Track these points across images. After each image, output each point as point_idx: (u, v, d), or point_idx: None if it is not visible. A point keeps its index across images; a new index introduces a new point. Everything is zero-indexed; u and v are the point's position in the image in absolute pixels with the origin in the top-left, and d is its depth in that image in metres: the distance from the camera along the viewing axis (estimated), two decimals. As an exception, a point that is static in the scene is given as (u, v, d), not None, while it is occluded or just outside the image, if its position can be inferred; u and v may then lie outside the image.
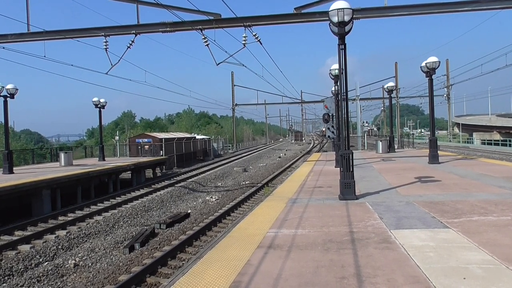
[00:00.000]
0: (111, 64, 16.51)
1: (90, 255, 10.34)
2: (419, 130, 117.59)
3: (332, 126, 18.81)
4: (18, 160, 29.11)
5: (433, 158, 16.25)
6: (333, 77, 16.33)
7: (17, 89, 18.70)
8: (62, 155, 23.38)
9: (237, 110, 61.66)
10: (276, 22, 15.31)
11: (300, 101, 68.70)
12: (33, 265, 9.64)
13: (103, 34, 15.48)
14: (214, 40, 15.64)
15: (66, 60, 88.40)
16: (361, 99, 42.84)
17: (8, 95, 18.50)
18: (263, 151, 54.75)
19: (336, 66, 14.69)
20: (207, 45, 15.57)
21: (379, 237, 5.66)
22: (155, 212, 15.74)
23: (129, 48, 15.99)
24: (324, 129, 59.43)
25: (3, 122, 25.97)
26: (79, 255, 10.33)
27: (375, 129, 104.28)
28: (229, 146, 58.86)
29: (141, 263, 9.46)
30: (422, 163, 16.93)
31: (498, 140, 52.73)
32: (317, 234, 6.00)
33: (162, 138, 33.79)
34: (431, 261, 4.59)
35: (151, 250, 10.59)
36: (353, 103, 38.33)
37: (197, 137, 45.73)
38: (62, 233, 12.20)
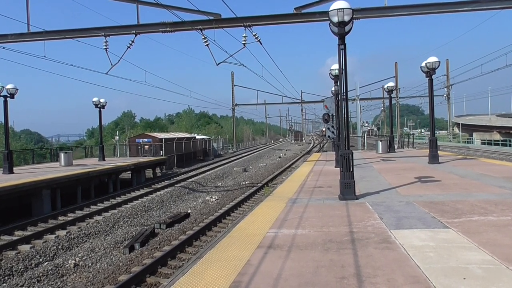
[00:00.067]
0: (111, 64, 16.53)
1: (90, 255, 10.34)
2: (419, 130, 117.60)
3: (332, 126, 18.81)
4: (18, 160, 29.11)
5: (433, 158, 16.25)
6: (333, 77, 16.33)
7: (17, 89, 18.70)
8: (62, 155, 23.38)
9: (237, 110, 61.72)
10: (276, 22, 15.31)
11: (300, 101, 68.75)
12: (33, 265, 9.64)
13: (103, 34, 15.48)
14: (214, 40, 15.67)
15: (66, 60, 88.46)
16: (361, 99, 42.85)
17: (8, 95, 18.50)
18: (263, 151, 54.75)
19: (336, 66, 14.69)
20: (207, 45, 15.57)
21: (379, 237, 5.66)
22: (155, 212, 15.74)
23: (129, 48, 16.01)
24: (324, 129, 59.41)
25: (3, 122, 25.99)
26: (79, 255, 10.33)
27: (375, 129, 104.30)
28: (229, 146, 58.86)
29: (141, 263, 9.46)
30: (422, 163, 16.93)
31: (498, 140, 52.74)
32: (317, 234, 6.00)
33: (162, 138, 33.79)
34: (431, 261, 4.59)
35: (151, 250, 10.59)
36: (353, 103, 38.34)
37: (197, 137, 45.73)
38: (62, 233, 12.20)
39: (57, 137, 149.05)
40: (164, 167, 29.44)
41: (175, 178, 25.00)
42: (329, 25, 8.76)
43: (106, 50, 15.91)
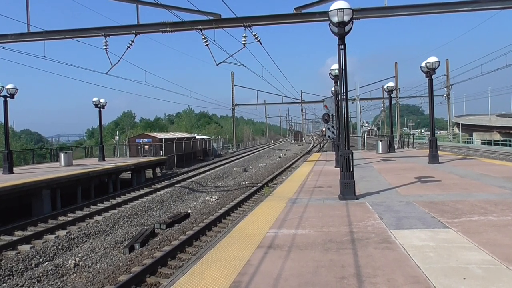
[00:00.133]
0: (111, 64, 16.52)
1: (90, 255, 10.34)
2: (419, 130, 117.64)
3: (332, 126, 18.81)
4: (18, 160, 29.12)
5: (433, 158, 16.25)
6: (333, 77, 16.33)
7: (17, 89, 18.71)
8: (62, 155, 23.38)
9: (237, 110, 61.71)
10: (276, 22, 15.31)
11: (300, 101, 68.75)
12: (33, 265, 9.64)
13: (103, 34, 15.48)
14: (214, 40, 15.67)
15: (66, 60, 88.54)
16: (361, 99, 42.85)
17: (8, 95, 18.51)
18: (263, 151, 54.75)
19: (336, 66, 14.69)
20: (207, 45, 15.57)
21: (379, 237, 5.66)
22: (155, 212, 15.74)
23: (129, 48, 16.01)
24: (324, 129, 59.43)
25: (3, 122, 26.01)
26: (79, 255, 10.32)
27: (375, 129, 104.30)
28: (229, 146, 58.85)
29: (141, 263, 9.46)
30: (422, 163, 16.93)
31: (498, 140, 52.74)
32: (317, 234, 6.00)
33: (162, 138, 33.79)
34: (431, 261, 4.59)
35: (151, 250, 10.59)
36: (353, 103, 38.34)
37: (197, 137, 45.73)
38: (62, 233, 12.20)
39: (57, 137, 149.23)
40: (164, 167, 29.44)
41: (175, 178, 25.00)
42: (329, 25, 8.76)
43: (106, 50, 15.91)
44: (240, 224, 7.08)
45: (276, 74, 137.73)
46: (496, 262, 4.46)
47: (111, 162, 24.17)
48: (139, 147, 33.09)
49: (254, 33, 15.12)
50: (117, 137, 39.71)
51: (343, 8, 8.32)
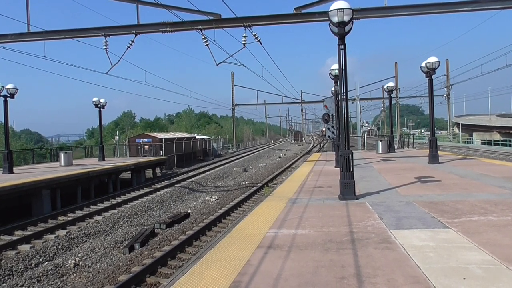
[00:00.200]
0: (111, 64, 16.53)
1: (90, 255, 10.34)
2: (419, 130, 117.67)
3: (332, 126, 18.81)
4: (18, 160, 29.12)
5: (433, 158, 16.25)
6: (333, 77, 16.33)
7: (17, 89, 18.71)
8: (62, 155, 23.37)
9: (237, 110, 61.72)
10: (276, 22, 15.31)
11: (300, 101, 68.79)
12: (33, 265, 9.64)
13: (103, 34, 15.48)
14: (214, 40, 15.67)
15: (66, 60, 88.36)
16: (361, 99, 42.86)
17: (8, 95, 18.51)
18: (263, 151, 54.75)
19: (336, 66, 14.69)
20: (207, 45, 15.58)
21: (379, 237, 5.66)
22: (155, 212, 15.74)
23: (129, 48, 16.01)
24: (324, 129, 59.42)
25: (3, 122, 26.01)
26: (79, 255, 10.32)
27: (375, 129, 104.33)
28: (229, 146, 58.86)
29: (141, 263, 9.46)
30: (422, 163, 16.93)
31: (498, 140, 52.74)
32: (317, 234, 6.00)
33: (162, 138, 33.79)
34: (431, 261, 4.59)
35: (151, 250, 10.59)
36: (353, 103, 38.35)
37: (197, 137, 45.73)
38: (62, 233, 12.20)
39: (57, 137, 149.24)
40: (164, 167, 29.44)
41: (175, 178, 25.00)
42: (329, 25, 8.76)
43: (106, 50, 15.92)
44: (240, 224, 7.08)
45: (276, 74, 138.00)
46: (496, 262, 4.46)
47: (111, 162, 24.17)
48: (139, 147, 33.09)
49: (254, 33, 15.13)
50: (117, 137, 39.73)
51: (343, 8, 8.32)
